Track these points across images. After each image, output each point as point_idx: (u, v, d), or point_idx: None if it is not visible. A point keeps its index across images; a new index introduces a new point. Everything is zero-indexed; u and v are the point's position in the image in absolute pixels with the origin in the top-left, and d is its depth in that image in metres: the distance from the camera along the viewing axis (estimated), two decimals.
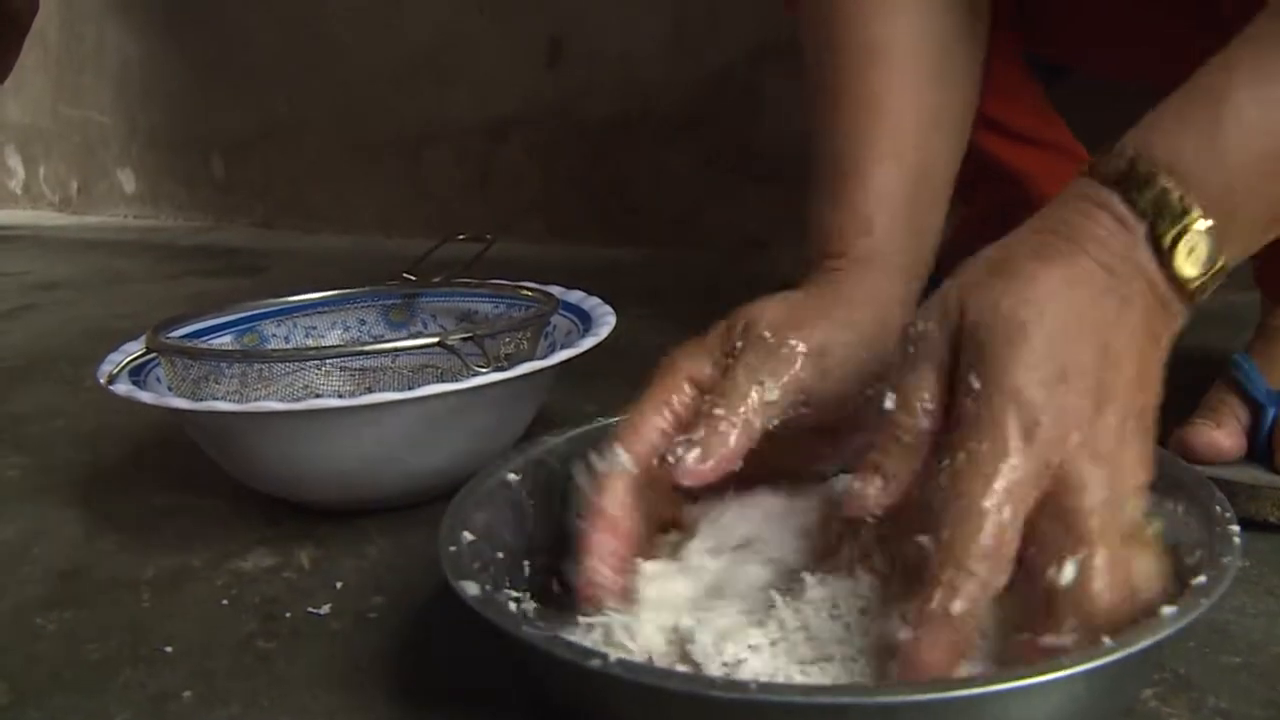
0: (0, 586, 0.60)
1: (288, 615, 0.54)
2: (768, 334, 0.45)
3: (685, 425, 0.44)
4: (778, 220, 1.43)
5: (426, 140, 1.80)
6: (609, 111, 1.57)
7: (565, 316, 0.72)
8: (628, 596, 0.41)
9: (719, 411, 0.43)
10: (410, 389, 0.57)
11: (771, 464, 0.46)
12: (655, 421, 0.45)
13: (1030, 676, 0.33)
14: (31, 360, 1.12)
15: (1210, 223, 0.38)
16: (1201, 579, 0.38)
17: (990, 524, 0.34)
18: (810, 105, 0.58)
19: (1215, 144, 0.39)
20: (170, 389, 0.65)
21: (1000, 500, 0.35)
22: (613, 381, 0.81)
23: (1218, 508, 0.43)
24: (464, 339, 0.59)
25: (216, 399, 0.63)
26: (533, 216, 1.68)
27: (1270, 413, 0.59)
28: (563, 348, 0.66)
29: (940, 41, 0.58)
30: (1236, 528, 0.41)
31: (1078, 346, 0.36)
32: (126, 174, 2.42)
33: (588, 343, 0.63)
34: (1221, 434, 0.59)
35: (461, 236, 0.82)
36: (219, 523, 0.66)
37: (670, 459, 0.42)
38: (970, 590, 0.34)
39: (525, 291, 0.76)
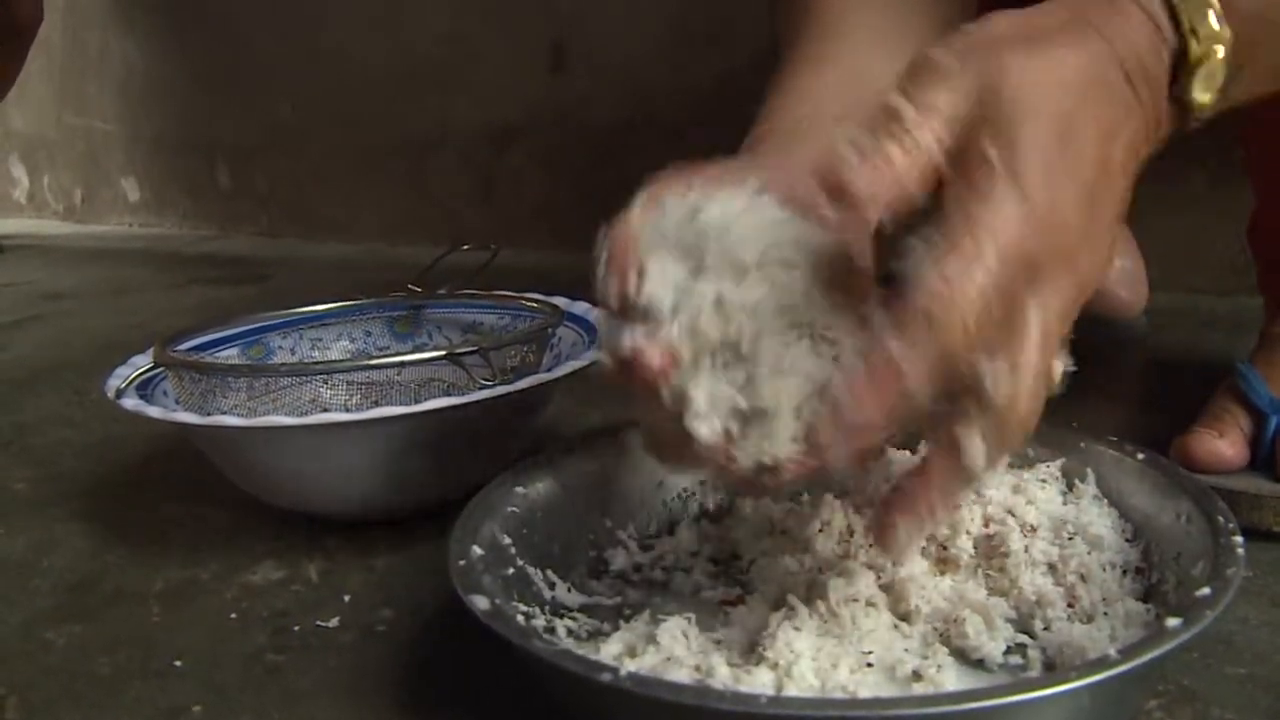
0: (10, 599, 0.60)
1: (297, 628, 0.54)
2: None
3: None
4: None
5: (430, 147, 1.81)
6: (612, 118, 1.57)
7: (570, 327, 0.72)
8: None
9: None
10: (416, 402, 0.57)
11: None
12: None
13: (1036, 689, 0.33)
14: (37, 371, 1.13)
15: (1233, 52, 0.37)
16: (1206, 591, 0.38)
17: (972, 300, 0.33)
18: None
19: None
20: (178, 402, 0.65)
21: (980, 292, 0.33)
22: (616, 392, 0.82)
23: (1220, 518, 0.43)
24: (470, 352, 0.59)
25: (224, 412, 0.64)
26: (536, 223, 1.68)
27: (1273, 422, 0.59)
28: (568, 359, 0.66)
29: None
30: (1239, 538, 0.42)
31: (1087, 153, 0.35)
32: (131, 182, 2.42)
33: (592, 354, 0.63)
34: (1224, 443, 0.59)
35: (466, 247, 0.83)
36: (227, 535, 0.66)
37: None
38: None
39: (530, 302, 0.76)
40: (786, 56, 0.57)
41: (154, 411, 0.59)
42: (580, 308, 0.75)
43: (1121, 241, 0.90)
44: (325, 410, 0.68)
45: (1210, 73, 0.37)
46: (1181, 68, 0.37)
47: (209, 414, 0.62)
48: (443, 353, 0.59)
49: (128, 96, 2.35)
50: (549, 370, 0.62)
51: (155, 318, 1.38)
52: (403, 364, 0.62)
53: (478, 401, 0.57)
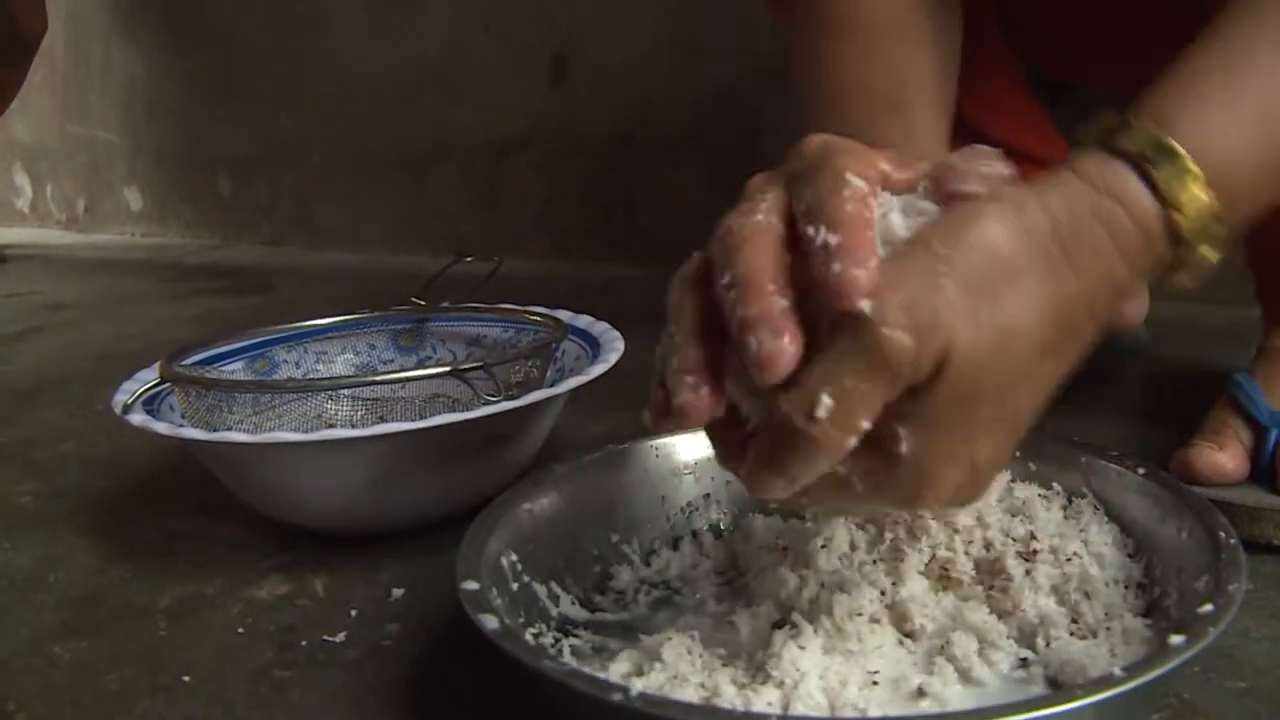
0: (16, 614, 0.60)
1: (303, 644, 0.54)
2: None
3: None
4: None
5: (432, 158, 1.81)
6: (613, 129, 1.58)
7: (574, 341, 0.73)
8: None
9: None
10: (422, 417, 0.57)
11: None
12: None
13: (1043, 707, 0.33)
14: (41, 383, 1.13)
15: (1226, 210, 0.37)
16: (1209, 607, 0.38)
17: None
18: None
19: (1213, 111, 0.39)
20: (184, 417, 0.66)
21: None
22: (620, 404, 0.82)
23: (1221, 532, 0.44)
24: (475, 368, 0.60)
25: (230, 427, 0.64)
26: (538, 234, 1.69)
27: (1273, 434, 0.59)
28: (572, 372, 0.66)
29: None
30: (1241, 553, 0.42)
31: (1019, 397, 0.36)
32: (133, 192, 2.43)
33: (597, 370, 0.64)
34: (1224, 456, 0.59)
35: (469, 258, 0.83)
36: (232, 549, 0.66)
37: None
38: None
39: (533, 316, 0.76)
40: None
41: (160, 427, 0.59)
42: (583, 321, 0.75)
43: None
44: (330, 425, 0.68)
45: (1209, 237, 0.37)
46: (1179, 239, 0.37)
47: (215, 429, 0.63)
48: (447, 369, 0.60)
49: (130, 107, 2.36)
50: (553, 384, 0.63)
51: (158, 329, 1.38)
52: (407, 379, 0.62)
53: (482, 417, 0.57)
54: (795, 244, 0.35)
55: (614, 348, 0.68)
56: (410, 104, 1.82)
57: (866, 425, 0.34)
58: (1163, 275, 0.39)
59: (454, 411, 0.59)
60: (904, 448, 0.35)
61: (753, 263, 0.35)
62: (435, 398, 0.70)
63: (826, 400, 0.33)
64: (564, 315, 0.75)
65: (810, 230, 0.34)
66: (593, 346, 0.71)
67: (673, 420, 0.36)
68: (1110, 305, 0.37)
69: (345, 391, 0.68)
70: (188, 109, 2.22)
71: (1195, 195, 0.37)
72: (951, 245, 0.34)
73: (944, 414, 0.35)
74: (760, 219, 0.36)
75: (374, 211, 1.93)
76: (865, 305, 0.33)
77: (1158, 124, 0.37)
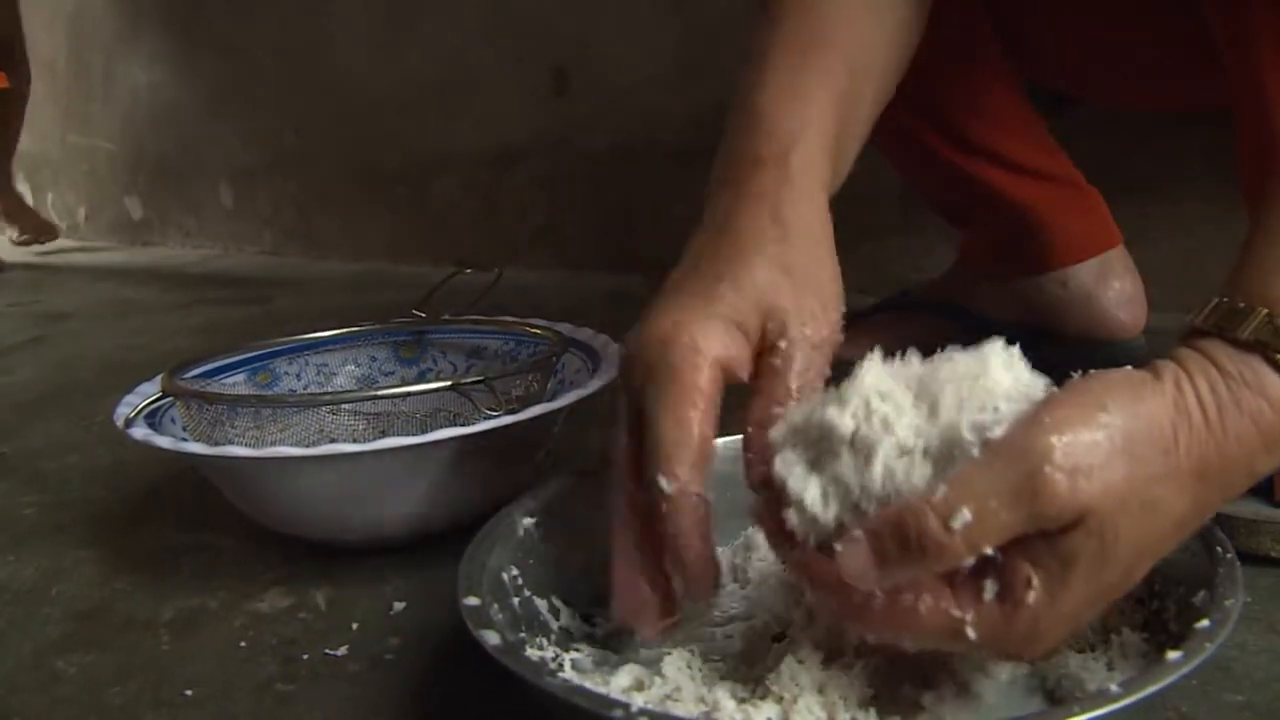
0: (20, 628, 0.61)
1: (305, 657, 0.54)
2: (809, 332, 0.45)
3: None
4: None
5: (434, 170, 1.82)
6: (614, 141, 1.58)
7: (574, 354, 0.73)
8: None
9: None
10: (424, 430, 0.58)
11: None
12: (702, 434, 0.42)
13: None
14: (43, 394, 1.13)
15: None
16: (1206, 622, 0.39)
17: None
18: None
19: None
20: (185, 430, 0.66)
21: None
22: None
23: (1219, 547, 0.44)
24: (475, 383, 0.60)
25: (232, 441, 0.64)
26: (539, 245, 1.69)
27: None
28: (572, 385, 0.66)
29: None
30: (1238, 567, 0.42)
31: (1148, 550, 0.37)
32: (134, 202, 2.44)
33: (597, 383, 0.64)
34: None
35: (469, 270, 0.84)
36: (234, 562, 0.66)
37: None
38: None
39: (534, 329, 0.77)
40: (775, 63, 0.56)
41: (163, 442, 0.60)
42: (584, 334, 0.75)
43: (1120, 262, 0.90)
44: (332, 439, 0.69)
45: None
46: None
47: (217, 443, 0.63)
48: (448, 383, 0.60)
49: (132, 117, 2.37)
50: (553, 398, 0.63)
51: (160, 339, 1.39)
52: (408, 394, 0.62)
53: (484, 431, 0.58)
54: None
55: (614, 361, 0.68)
56: (411, 116, 1.83)
57: (989, 551, 0.35)
58: None
59: (455, 425, 0.59)
60: (1032, 597, 0.35)
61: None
62: (437, 412, 0.70)
63: (966, 515, 0.34)
64: (564, 328, 0.76)
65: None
66: (593, 359, 0.71)
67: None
68: (1242, 488, 0.39)
69: (346, 406, 0.68)
70: (189, 119, 2.23)
71: None
72: (1117, 410, 0.36)
73: (1078, 569, 0.35)
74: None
75: (375, 223, 1.94)
76: (1050, 440, 0.34)
77: (1271, 308, 0.38)
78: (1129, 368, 0.38)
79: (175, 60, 2.23)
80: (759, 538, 0.54)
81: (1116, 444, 0.35)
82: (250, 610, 0.60)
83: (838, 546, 0.36)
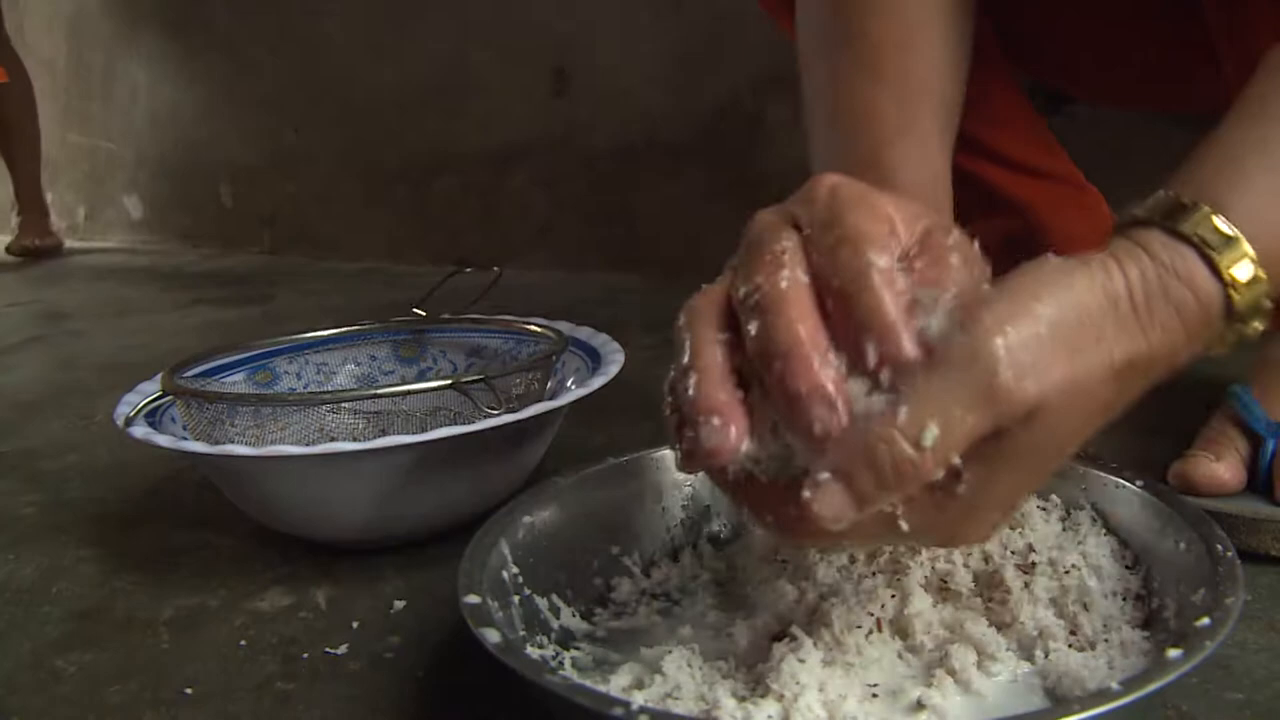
0: (20, 627, 0.61)
1: (305, 656, 0.54)
2: None
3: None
4: None
5: (433, 170, 1.82)
6: (614, 141, 1.58)
7: (574, 353, 0.73)
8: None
9: None
10: (424, 429, 0.58)
11: None
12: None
13: None
14: (43, 393, 1.13)
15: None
16: (1207, 620, 0.39)
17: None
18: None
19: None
20: (185, 429, 0.66)
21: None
22: (620, 414, 0.82)
23: (1219, 545, 0.44)
24: (475, 381, 0.60)
25: (232, 440, 0.64)
26: (538, 245, 1.69)
27: (1270, 445, 0.60)
28: (573, 383, 0.66)
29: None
30: (1239, 566, 0.42)
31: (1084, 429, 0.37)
32: (134, 201, 2.44)
33: (597, 382, 0.64)
34: (1221, 466, 0.59)
35: (469, 269, 0.84)
36: (234, 561, 0.66)
37: None
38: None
39: (533, 328, 0.77)
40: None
41: (162, 440, 0.60)
42: (584, 333, 0.75)
43: None
44: (332, 438, 0.69)
45: (1260, 312, 0.39)
46: (1234, 316, 0.39)
47: (217, 441, 0.63)
48: (448, 382, 0.60)
49: (132, 116, 2.37)
50: (553, 396, 0.63)
51: (159, 339, 1.38)
52: (408, 393, 0.62)
53: (484, 430, 0.58)
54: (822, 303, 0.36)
55: (614, 359, 0.68)
56: (411, 115, 1.83)
57: (956, 459, 0.35)
58: (1210, 346, 0.40)
59: (455, 424, 0.59)
60: (962, 488, 0.35)
61: (794, 332, 0.35)
62: (437, 411, 0.70)
63: (934, 429, 0.34)
64: (564, 326, 0.76)
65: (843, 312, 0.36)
66: (593, 358, 0.71)
67: (701, 462, 0.37)
68: (1162, 376, 0.39)
69: (347, 405, 0.68)
70: (189, 119, 2.23)
71: (1253, 277, 0.38)
72: (1051, 300, 0.36)
73: (1014, 460, 0.36)
74: (788, 281, 0.36)
75: (375, 222, 1.94)
76: (997, 344, 0.34)
77: (1214, 207, 0.39)
78: (1057, 258, 0.38)
79: (175, 60, 2.23)
80: (758, 536, 0.54)
81: (1056, 336, 0.35)
82: (250, 609, 0.60)
83: (805, 493, 0.34)
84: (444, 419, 0.70)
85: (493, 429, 0.58)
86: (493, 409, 0.60)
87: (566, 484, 0.54)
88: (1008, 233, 0.90)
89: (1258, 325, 0.39)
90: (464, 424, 0.59)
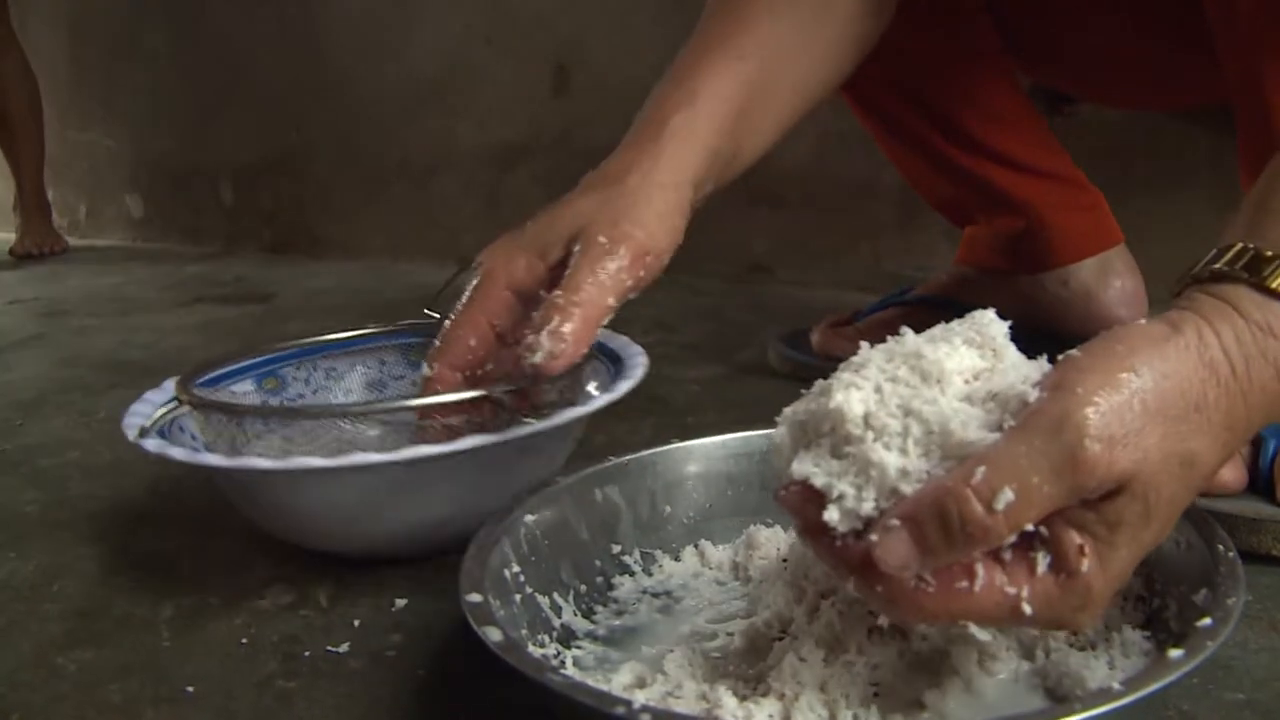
0: (21, 625, 0.61)
1: (307, 654, 0.54)
2: (603, 240, 0.53)
3: (502, 336, 0.57)
4: (781, 245, 1.44)
5: (434, 168, 1.82)
6: (614, 138, 1.57)
7: (594, 355, 0.69)
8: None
9: (562, 301, 0.51)
10: (451, 439, 0.55)
11: None
12: (468, 340, 0.57)
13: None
14: (44, 391, 1.13)
15: None
16: (1208, 621, 0.39)
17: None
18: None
19: None
20: (195, 438, 0.64)
21: None
22: (620, 414, 0.82)
23: (1220, 545, 0.44)
24: (509, 390, 0.58)
25: (247, 448, 0.62)
26: None
27: (1271, 445, 0.59)
28: (595, 386, 0.64)
29: None
30: (1240, 565, 0.42)
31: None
32: (134, 199, 2.44)
33: (625, 386, 0.62)
34: (1223, 467, 0.59)
35: (476, 265, 0.82)
36: (235, 559, 0.66)
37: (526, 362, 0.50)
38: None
39: None
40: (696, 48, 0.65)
41: (177, 453, 0.57)
42: (602, 334, 0.72)
43: (1121, 260, 0.90)
44: (355, 449, 0.66)
45: None
46: None
47: (235, 450, 0.61)
48: (481, 393, 0.57)
49: (132, 114, 2.37)
50: (583, 401, 0.61)
51: (160, 337, 1.38)
52: (437, 405, 0.59)
53: (520, 438, 0.56)
54: None
55: (637, 362, 0.66)
56: (412, 113, 1.83)
57: (1030, 526, 0.35)
58: None
59: (483, 431, 0.56)
60: (1085, 565, 0.35)
61: None
62: (464, 418, 0.68)
63: (1009, 494, 0.34)
64: None
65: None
66: (612, 360, 0.69)
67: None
68: (1261, 428, 0.40)
69: (373, 416, 0.64)
70: (190, 118, 2.23)
71: None
72: (1145, 371, 0.36)
73: (1121, 533, 0.36)
74: None
75: (376, 221, 1.94)
76: (1087, 413, 0.34)
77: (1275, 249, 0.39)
78: (1145, 322, 0.37)
79: (175, 58, 2.23)
80: (760, 535, 0.54)
81: (1150, 407, 0.35)
82: (251, 607, 0.60)
83: (873, 537, 0.35)
84: (472, 427, 0.67)
85: (528, 436, 0.56)
86: (529, 419, 0.57)
87: (568, 483, 0.54)
88: (1009, 232, 0.90)
89: None
90: (493, 431, 0.56)
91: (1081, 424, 0.34)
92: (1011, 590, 0.35)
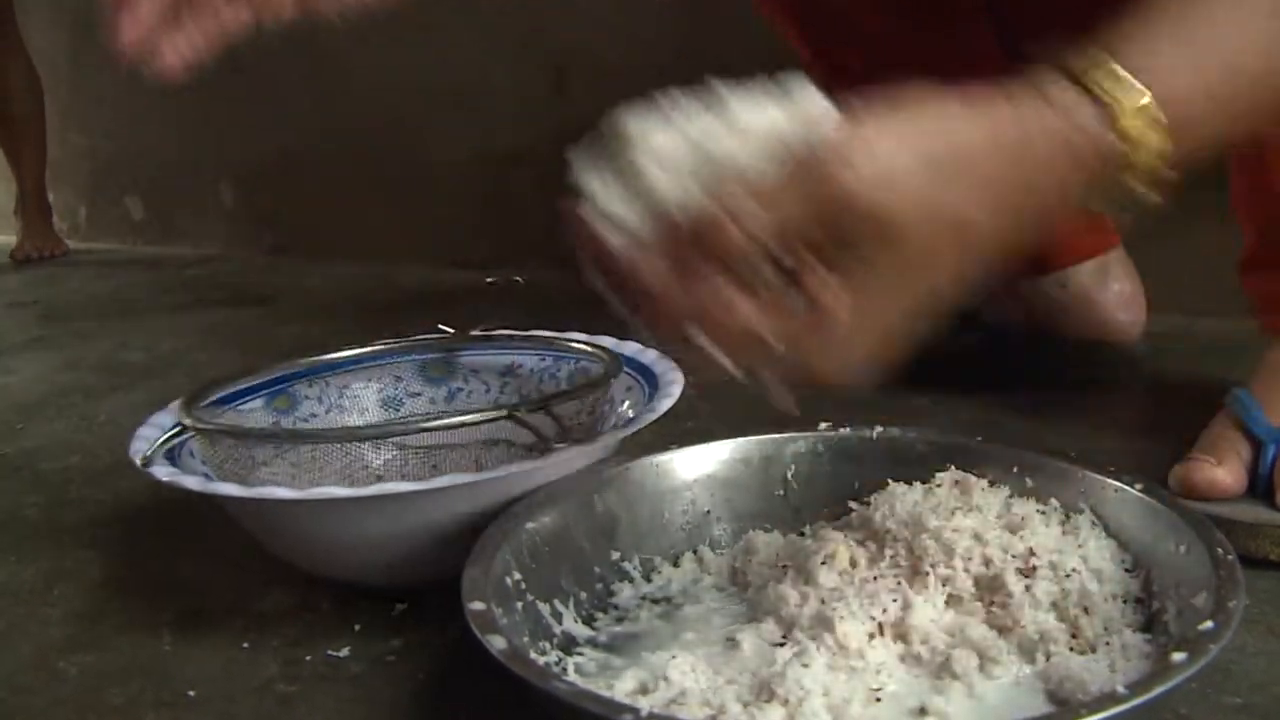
0: (22, 628, 0.61)
1: (308, 658, 0.55)
2: None
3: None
4: None
5: (434, 170, 1.82)
6: None
7: (625, 371, 0.67)
8: None
9: None
10: (476, 462, 0.54)
11: None
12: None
13: None
14: (44, 394, 1.13)
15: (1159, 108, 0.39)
16: (1209, 624, 0.39)
17: None
18: None
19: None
20: (203, 463, 0.62)
21: None
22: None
23: (1219, 549, 0.44)
24: (537, 409, 0.56)
25: (257, 473, 0.60)
26: (540, 247, 1.69)
27: (1271, 449, 0.60)
28: (628, 405, 0.62)
29: None
30: (1239, 569, 0.42)
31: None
32: (135, 201, 2.44)
33: (664, 405, 0.60)
34: (1222, 471, 0.59)
35: (490, 280, 0.80)
36: (236, 562, 0.66)
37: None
38: None
39: (573, 344, 0.70)
40: None
41: (190, 482, 0.55)
42: (630, 348, 0.68)
43: (1119, 263, 0.90)
44: (379, 475, 0.64)
45: (1155, 178, 0.40)
46: (1125, 164, 0.39)
47: (245, 478, 0.59)
48: (504, 412, 0.55)
49: (133, 116, 2.37)
50: (604, 420, 0.59)
51: (160, 340, 1.38)
52: (461, 425, 0.57)
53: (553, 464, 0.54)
54: None
55: (672, 379, 0.63)
56: (412, 116, 1.82)
57: (786, 260, 0.36)
58: (1102, 195, 0.40)
59: (513, 455, 0.55)
60: (832, 298, 0.36)
61: None
62: (492, 441, 0.64)
63: (760, 215, 0.35)
64: (608, 342, 0.69)
65: None
66: (648, 379, 0.66)
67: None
68: (1048, 219, 0.39)
69: (393, 440, 0.64)
70: (190, 119, 2.23)
71: (1146, 121, 0.38)
72: (928, 125, 0.36)
73: (876, 278, 0.36)
74: None
75: (376, 223, 1.94)
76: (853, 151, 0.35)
77: (1110, 54, 0.39)
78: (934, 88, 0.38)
79: None
80: (758, 541, 0.54)
81: (921, 158, 0.35)
82: (252, 611, 0.60)
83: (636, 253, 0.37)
84: (501, 450, 0.63)
85: (561, 461, 0.54)
86: (561, 445, 0.56)
87: (567, 489, 0.54)
88: None
89: (1154, 197, 0.39)
90: (523, 455, 0.55)
91: (845, 156, 0.35)
92: (760, 318, 0.36)
